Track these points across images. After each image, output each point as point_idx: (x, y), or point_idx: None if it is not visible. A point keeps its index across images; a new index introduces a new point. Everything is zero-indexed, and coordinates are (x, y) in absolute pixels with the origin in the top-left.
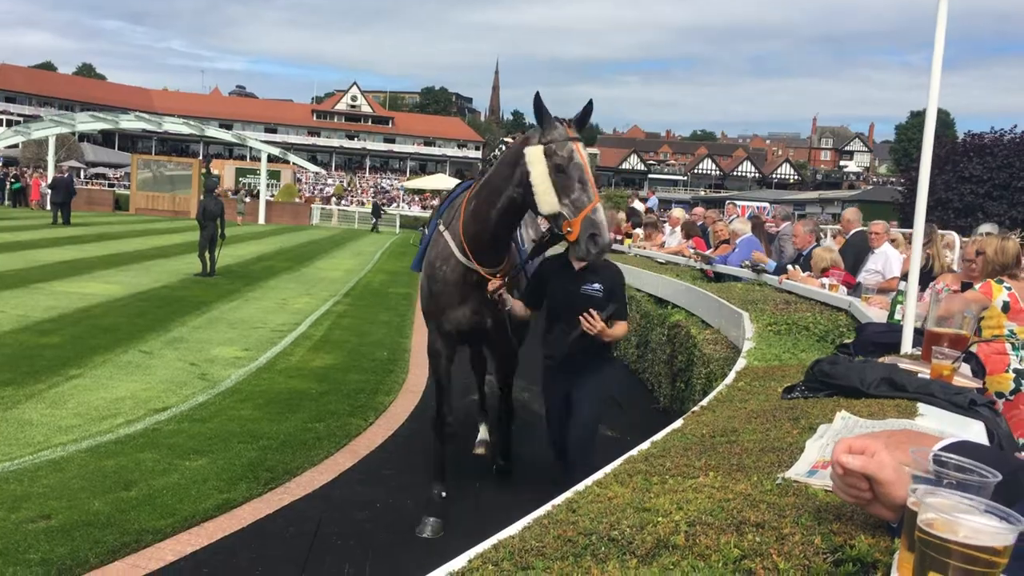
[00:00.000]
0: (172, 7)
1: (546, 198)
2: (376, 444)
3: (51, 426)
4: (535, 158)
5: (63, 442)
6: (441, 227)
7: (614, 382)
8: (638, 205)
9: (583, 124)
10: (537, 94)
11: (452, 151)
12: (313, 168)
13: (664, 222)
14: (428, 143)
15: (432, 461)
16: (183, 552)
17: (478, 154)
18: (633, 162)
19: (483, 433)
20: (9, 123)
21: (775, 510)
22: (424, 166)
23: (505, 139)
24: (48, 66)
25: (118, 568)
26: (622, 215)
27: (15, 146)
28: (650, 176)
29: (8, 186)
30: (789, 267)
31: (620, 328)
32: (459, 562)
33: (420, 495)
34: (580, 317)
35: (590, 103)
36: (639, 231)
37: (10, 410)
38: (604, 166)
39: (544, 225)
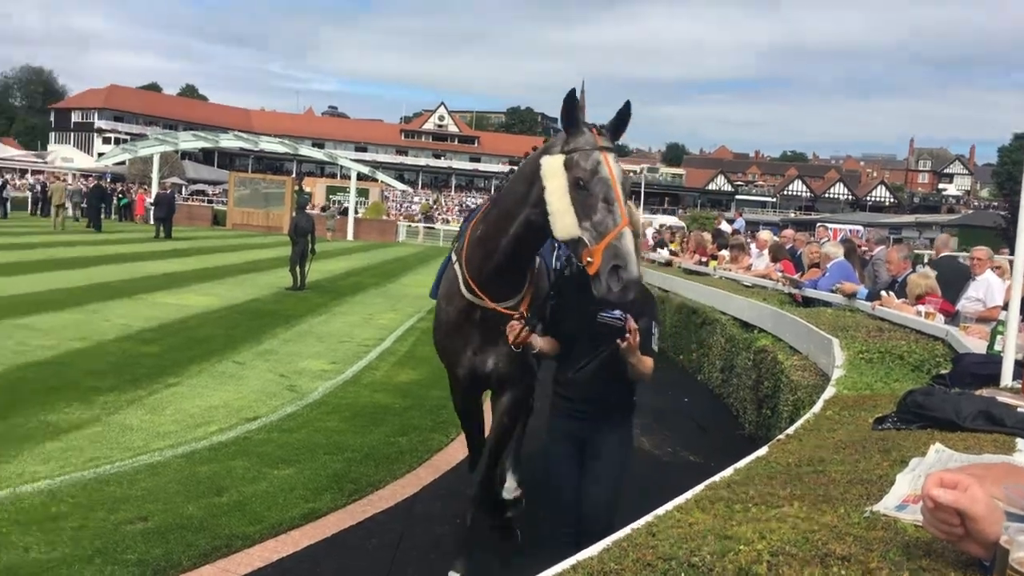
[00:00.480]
0: (270, 31)
1: (563, 219)
2: (456, 460)
3: (150, 431)
4: (553, 170)
5: (160, 447)
6: (453, 257)
7: (632, 435)
8: (725, 227)
9: (619, 131)
10: (572, 92)
11: None
12: (400, 186)
13: (751, 244)
14: (513, 162)
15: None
16: (270, 559)
17: None
18: (720, 183)
19: (510, 483)
20: (117, 141)
21: (862, 543)
22: None
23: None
24: (154, 87)
25: (209, 571)
26: (707, 236)
27: (122, 163)
28: (737, 197)
29: (116, 201)
30: (883, 293)
31: (647, 362)
32: None
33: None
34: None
35: (627, 105)
36: (725, 253)
37: (113, 415)
38: (690, 187)
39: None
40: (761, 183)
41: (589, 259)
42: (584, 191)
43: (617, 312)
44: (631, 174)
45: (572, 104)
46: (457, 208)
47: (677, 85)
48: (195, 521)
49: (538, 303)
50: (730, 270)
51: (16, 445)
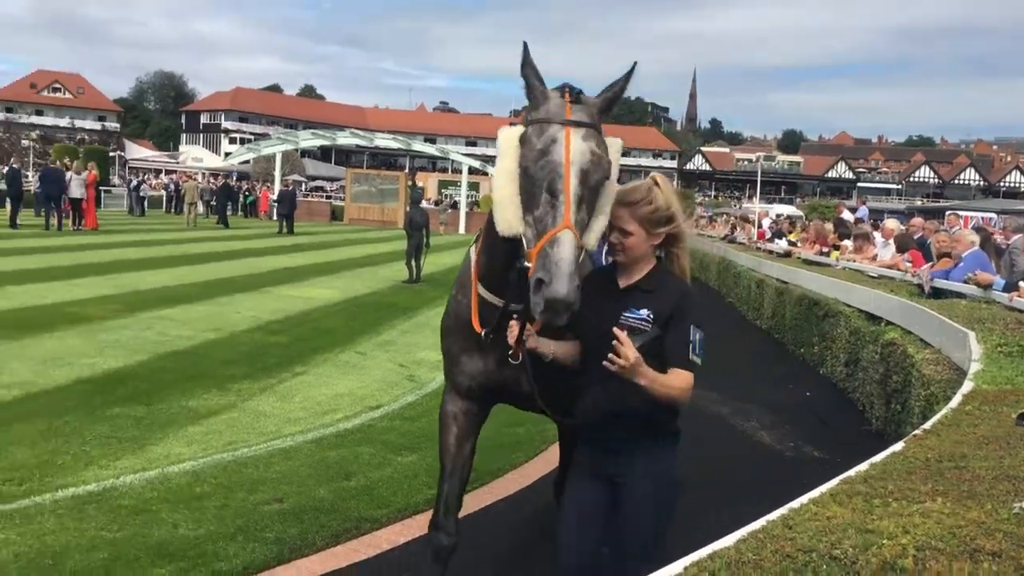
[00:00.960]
0: (383, 31)
1: (503, 211)
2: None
3: (281, 418)
4: (506, 147)
5: (292, 433)
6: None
7: (675, 473)
8: (847, 215)
9: (611, 105)
10: (524, 47)
11: (647, 161)
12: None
13: (876, 233)
14: (623, 154)
15: None
16: (396, 542)
17: (673, 164)
18: (840, 170)
19: None
20: (242, 141)
21: (1013, 540)
22: (619, 177)
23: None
24: (276, 88)
25: (340, 552)
26: (829, 225)
27: (247, 162)
28: (859, 185)
29: (243, 199)
30: (1021, 284)
31: (676, 379)
32: (675, 568)
33: None
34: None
35: (633, 67)
36: (848, 243)
37: (247, 401)
38: (808, 174)
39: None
40: (885, 169)
41: (528, 263)
42: (528, 178)
43: (643, 312)
44: (747, 161)
45: (526, 62)
46: None
47: (794, 70)
48: (326, 503)
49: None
50: (854, 260)
51: (162, 429)
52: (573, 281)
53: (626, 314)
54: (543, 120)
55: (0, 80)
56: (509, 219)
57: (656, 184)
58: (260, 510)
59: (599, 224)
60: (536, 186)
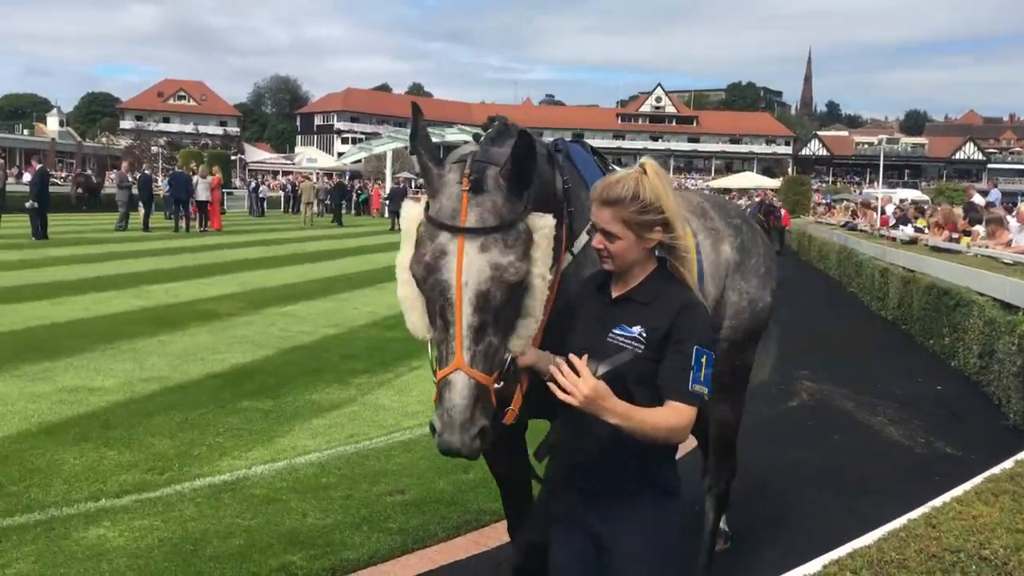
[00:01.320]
0: (488, 26)
1: (409, 312)
2: (687, 449)
3: (400, 411)
4: (408, 230)
5: (410, 426)
6: None
7: (672, 536)
8: (978, 199)
9: (523, 177)
10: (414, 110)
11: (759, 148)
12: (618, 171)
13: (1010, 218)
14: (734, 141)
15: None
16: None
17: (787, 150)
18: (969, 151)
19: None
20: (354, 141)
21: None
22: (730, 165)
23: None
24: (385, 88)
25: (461, 543)
26: (958, 210)
27: (359, 161)
28: (990, 166)
29: (355, 197)
30: None
31: (662, 416)
32: (814, 566)
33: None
34: (553, 368)
35: (519, 140)
36: (980, 228)
37: (367, 395)
38: (933, 157)
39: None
40: (1018, 149)
41: (436, 380)
42: (423, 291)
43: (635, 330)
44: (867, 144)
45: (415, 131)
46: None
47: (915, 48)
48: (446, 495)
49: (571, 291)
50: (987, 247)
51: (288, 421)
52: (467, 431)
53: (615, 331)
54: (434, 221)
55: (131, 90)
56: (415, 323)
57: (644, 173)
58: (383, 501)
59: (527, 328)
60: (431, 302)
